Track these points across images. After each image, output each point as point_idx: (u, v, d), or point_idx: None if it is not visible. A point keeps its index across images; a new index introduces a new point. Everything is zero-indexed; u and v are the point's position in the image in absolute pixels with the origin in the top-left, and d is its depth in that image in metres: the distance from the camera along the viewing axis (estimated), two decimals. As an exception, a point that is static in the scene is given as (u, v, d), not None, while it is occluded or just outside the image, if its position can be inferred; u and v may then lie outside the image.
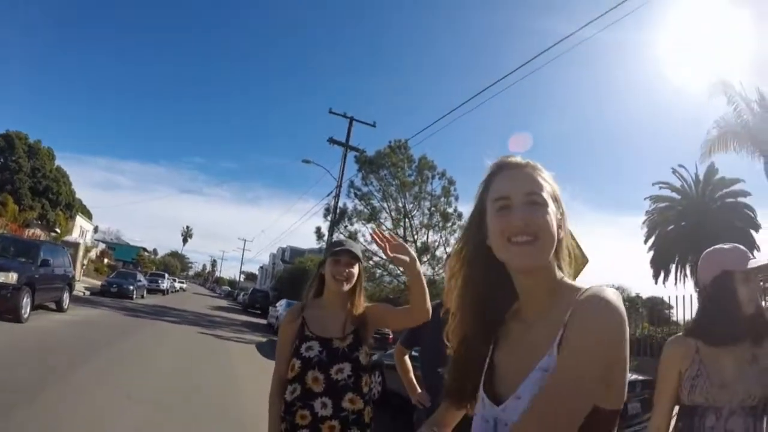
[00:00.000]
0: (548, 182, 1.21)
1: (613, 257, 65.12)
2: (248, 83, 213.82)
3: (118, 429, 5.36)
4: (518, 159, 1.25)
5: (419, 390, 3.22)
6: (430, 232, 22.63)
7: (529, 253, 1.12)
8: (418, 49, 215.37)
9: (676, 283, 23.03)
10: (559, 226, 1.18)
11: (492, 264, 1.22)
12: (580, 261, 9.08)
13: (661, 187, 23.97)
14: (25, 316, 11.25)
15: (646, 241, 24.29)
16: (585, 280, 1.19)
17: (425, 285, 2.26)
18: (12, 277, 10.81)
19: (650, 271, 24.20)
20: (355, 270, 2.43)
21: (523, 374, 1.10)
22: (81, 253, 31.12)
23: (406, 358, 3.45)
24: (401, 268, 2.18)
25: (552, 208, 1.16)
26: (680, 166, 23.28)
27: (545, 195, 1.17)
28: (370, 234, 21.31)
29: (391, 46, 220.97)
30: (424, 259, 21.24)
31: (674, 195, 23.62)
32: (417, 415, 3.24)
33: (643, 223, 24.58)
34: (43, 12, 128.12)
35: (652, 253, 24.06)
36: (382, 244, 2.11)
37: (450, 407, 1.50)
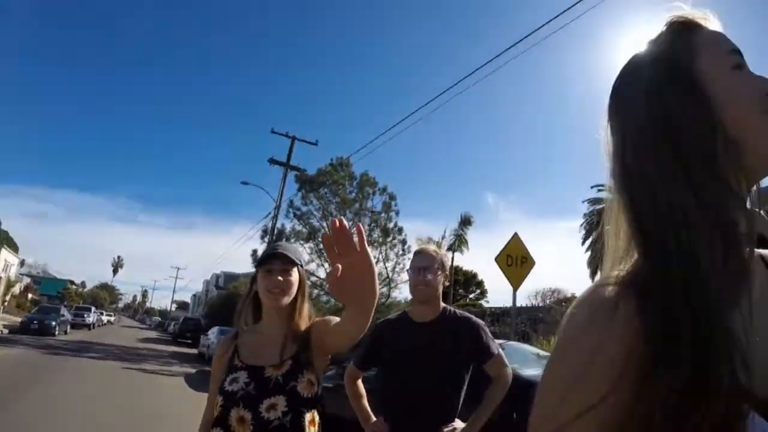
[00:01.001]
0: None
1: (553, 260, 65.18)
2: (186, 107, 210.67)
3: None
4: None
5: (374, 418, 2.65)
6: (370, 249, 21.86)
7: None
8: (360, 68, 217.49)
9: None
10: None
11: None
12: (529, 263, 8.97)
13: (599, 190, 24.61)
14: None
15: (583, 243, 26.77)
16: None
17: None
18: None
19: (587, 272, 26.26)
20: (294, 277, 1.90)
21: None
22: (2, 288, 29.33)
23: (359, 381, 2.87)
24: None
25: None
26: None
27: None
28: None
29: (331, 66, 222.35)
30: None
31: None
32: None
33: (581, 225, 26.86)
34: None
35: (588, 254, 26.00)
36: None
37: None
